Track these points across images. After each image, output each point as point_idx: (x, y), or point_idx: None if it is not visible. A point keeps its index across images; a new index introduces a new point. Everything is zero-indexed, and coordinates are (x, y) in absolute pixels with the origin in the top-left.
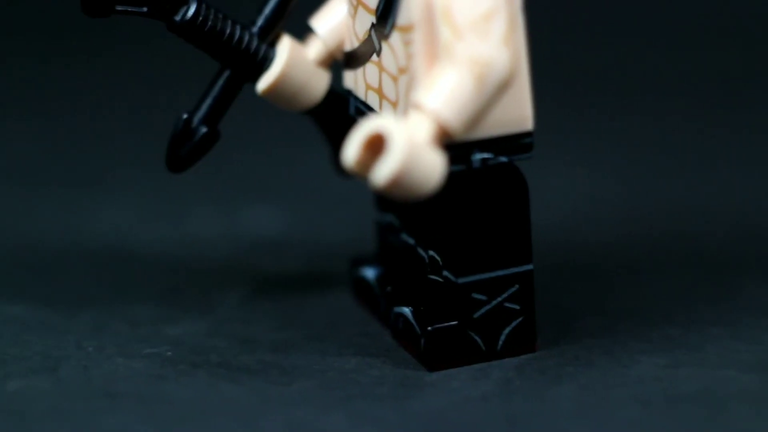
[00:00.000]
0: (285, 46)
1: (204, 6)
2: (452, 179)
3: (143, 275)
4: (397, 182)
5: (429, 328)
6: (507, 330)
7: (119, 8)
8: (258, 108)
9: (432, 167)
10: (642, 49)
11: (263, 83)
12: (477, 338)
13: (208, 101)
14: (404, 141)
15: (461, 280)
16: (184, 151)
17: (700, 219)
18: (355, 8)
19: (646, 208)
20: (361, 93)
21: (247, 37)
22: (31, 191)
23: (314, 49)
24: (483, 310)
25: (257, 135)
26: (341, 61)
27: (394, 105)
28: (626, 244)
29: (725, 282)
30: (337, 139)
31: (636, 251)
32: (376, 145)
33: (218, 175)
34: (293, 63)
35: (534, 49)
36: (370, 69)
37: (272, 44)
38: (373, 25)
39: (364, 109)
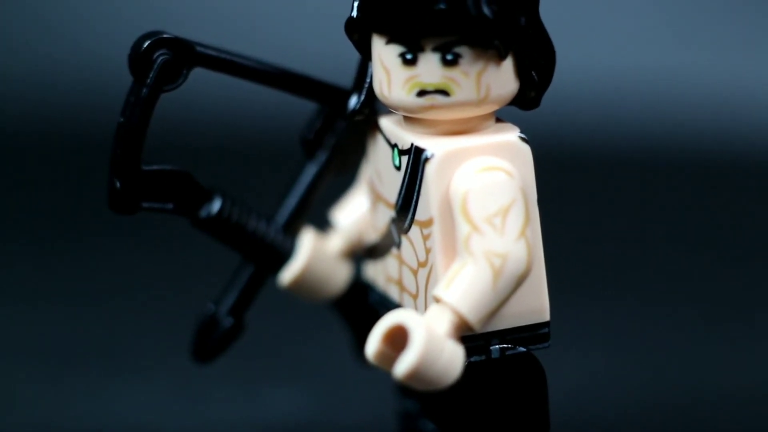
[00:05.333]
0: (307, 240)
1: (228, 202)
2: (471, 369)
3: None
4: (417, 375)
5: None
6: None
7: (145, 205)
8: (280, 293)
9: (451, 360)
10: (650, 238)
11: (286, 277)
12: None
13: (234, 293)
14: (424, 335)
15: None
16: (211, 342)
17: (710, 397)
18: (375, 202)
19: (658, 390)
20: (381, 285)
21: (270, 233)
22: (53, 376)
23: (335, 243)
24: None
25: (280, 319)
26: (362, 253)
27: (414, 297)
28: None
29: None
30: (358, 329)
31: None
32: (396, 339)
33: (241, 359)
34: (315, 257)
35: (547, 240)
36: (390, 261)
37: (294, 236)
38: (392, 219)
39: (384, 302)
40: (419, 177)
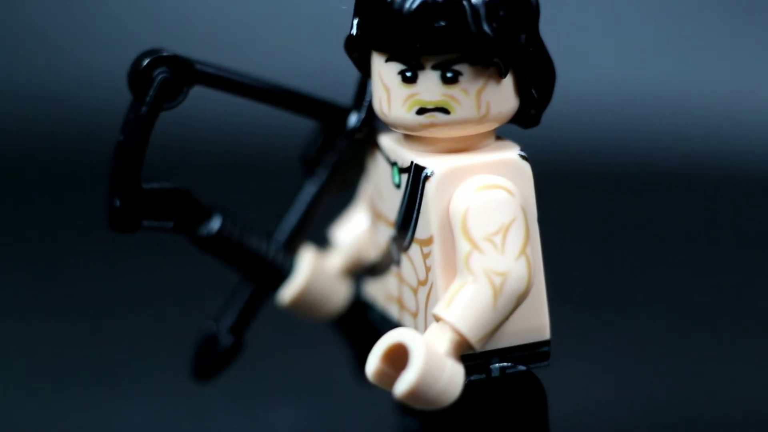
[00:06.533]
0: (307, 258)
1: (228, 220)
2: (472, 388)
3: None
4: (417, 394)
5: None
6: None
7: (145, 223)
8: (280, 311)
9: (451, 379)
10: (651, 255)
11: (286, 295)
12: None
13: (234, 311)
14: (424, 353)
15: None
16: (211, 360)
17: (712, 415)
18: (375, 220)
19: (659, 408)
20: (381, 303)
21: (270, 251)
22: (52, 395)
23: (335, 261)
24: None
25: (280, 338)
26: (362, 272)
27: (414, 316)
28: None
29: None
30: (358, 348)
31: None
32: (396, 357)
33: (241, 377)
34: (315, 275)
35: (548, 258)
36: (390, 280)
37: (294, 254)
38: (392, 237)
39: (384, 320)
40: (419, 195)
